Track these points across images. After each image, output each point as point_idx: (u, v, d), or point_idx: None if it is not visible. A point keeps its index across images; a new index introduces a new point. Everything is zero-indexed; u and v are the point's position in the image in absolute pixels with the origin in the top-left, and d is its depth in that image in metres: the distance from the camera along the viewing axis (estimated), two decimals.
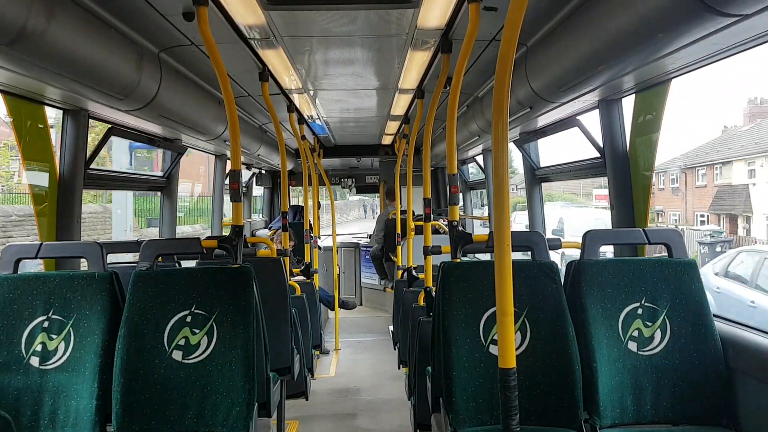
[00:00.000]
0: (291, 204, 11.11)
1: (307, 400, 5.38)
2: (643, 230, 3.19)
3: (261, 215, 11.44)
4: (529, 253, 3.19)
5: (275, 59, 4.27)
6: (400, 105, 6.21)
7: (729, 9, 2.06)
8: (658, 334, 2.95)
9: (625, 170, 3.75)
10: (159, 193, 5.54)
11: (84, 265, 3.26)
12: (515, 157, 8.18)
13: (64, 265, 3.67)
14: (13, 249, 3.14)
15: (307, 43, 3.96)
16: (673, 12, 2.25)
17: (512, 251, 2.04)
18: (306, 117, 6.96)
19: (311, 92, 5.56)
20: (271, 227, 10.17)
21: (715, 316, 2.99)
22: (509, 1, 1.94)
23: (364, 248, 11.28)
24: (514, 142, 5.45)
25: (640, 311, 2.98)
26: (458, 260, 3.31)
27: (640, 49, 2.64)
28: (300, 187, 10.60)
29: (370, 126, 8.00)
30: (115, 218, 14.12)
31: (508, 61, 1.97)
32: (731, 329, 2.95)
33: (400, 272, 6.58)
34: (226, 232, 3.49)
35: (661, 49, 2.56)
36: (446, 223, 8.44)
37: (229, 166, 6.84)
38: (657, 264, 3.04)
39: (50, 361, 2.93)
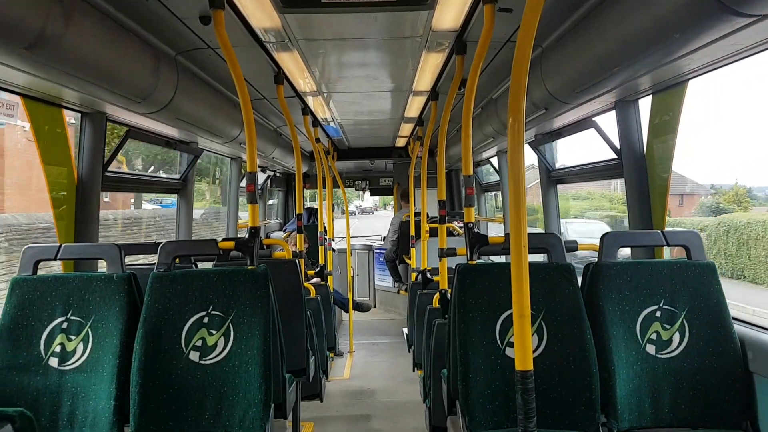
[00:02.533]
0: (305, 206, 11.14)
1: (321, 401, 5.38)
2: (662, 232, 3.16)
3: (276, 217, 11.49)
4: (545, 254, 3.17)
5: (290, 62, 4.29)
6: (414, 107, 6.21)
7: (747, 9, 2.04)
8: (676, 337, 2.93)
9: (642, 172, 3.72)
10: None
11: (102, 266, 3.29)
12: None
13: (82, 266, 3.70)
14: (32, 251, 3.18)
15: (321, 45, 3.98)
16: (689, 13, 2.23)
17: (529, 253, 2.04)
18: (320, 119, 6.98)
19: (325, 95, 5.57)
20: (285, 229, 10.20)
21: (734, 318, 2.96)
22: (524, 3, 1.93)
23: (378, 250, 11.29)
24: (529, 143, 5.43)
25: (658, 314, 2.95)
26: (474, 262, 3.30)
27: (656, 50, 2.62)
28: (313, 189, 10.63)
29: (384, 128, 8.01)
30: None
31: (524, 63, 1.96)
32: (751, 332, 2.92)
33: (414, 274, 6.57)
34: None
35: (678, 50, 2.54)
36: (460, 225, 8.44)
37: (244, 169, 6.90)
38: (676, 266, 3.02)
39: (69, 362, 2.96)
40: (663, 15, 2.35)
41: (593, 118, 4.33)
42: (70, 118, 3.80)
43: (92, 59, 2.86)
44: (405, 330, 6.78)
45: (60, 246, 3.21)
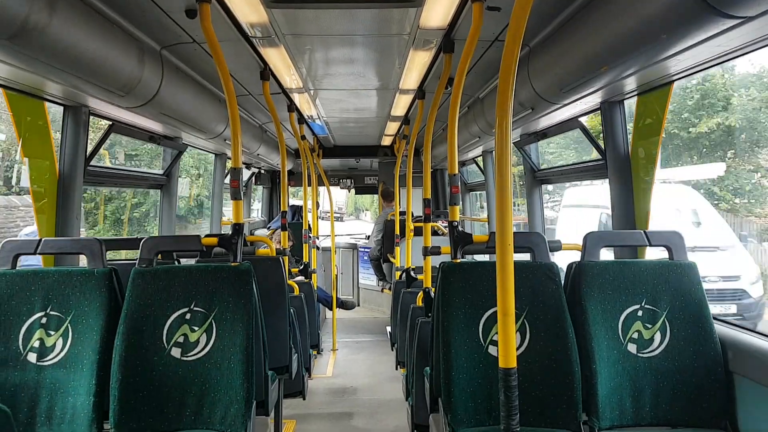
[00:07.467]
0: (290, 204, 11.10)
1: (304, 399, 5.37)
2: (644, 232, 3.19)
3: (261, 214, 11.44)
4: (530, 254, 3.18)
5: (276, 58, 4.26)
6: (401, 105, 6.20)
7: (733, 11, 2.05)
8: (657, 336, 2.95)
9: (626, 172, 3.74)
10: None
11: (83, 261, 3.25)
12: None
13: (63, 261, 3.66)
14: (11, 244, 3.13)
15: (308, 42, 3.96)
16: (676, 14, 2.24)
17: (513, 252, 2.04)
18: (306, 117, 6.96)
19: (312, 92, 5.55)
20: (269, 227, 10.16)
21: (715, 318, 2.99)
22: (513, 2, 1.93)
23: (363, 249, 11.28)
24: (514, 143, 5.44)
25: (640, 313, 2.97)
26: (458, 260, 3.30)
27: (643, 51, 2.64)
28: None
29: (370, 127, 8.00)
30: None
31: (512, 62, 1.96)
32: (731, 332, 2.95)
33: (399, 273, 6.57)
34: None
35: (665, 51, 2.56)
36: (445, 224, 8.44)
37: (229, 165, 6.86)
38: (657, 266, 3.04)
39: (48, 358, 2.92)
40: (651, 15, 2.37)
41: (579, 118, 4.35)
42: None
43: (76, 51, 2.82)
44: (388, 328, 6.78)
45: (40, 240, 3.17)
